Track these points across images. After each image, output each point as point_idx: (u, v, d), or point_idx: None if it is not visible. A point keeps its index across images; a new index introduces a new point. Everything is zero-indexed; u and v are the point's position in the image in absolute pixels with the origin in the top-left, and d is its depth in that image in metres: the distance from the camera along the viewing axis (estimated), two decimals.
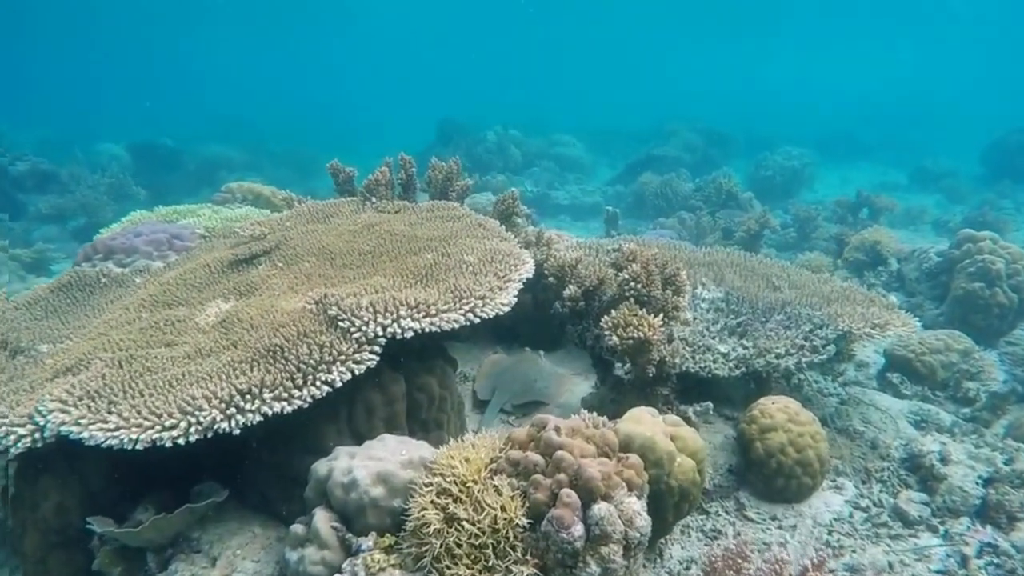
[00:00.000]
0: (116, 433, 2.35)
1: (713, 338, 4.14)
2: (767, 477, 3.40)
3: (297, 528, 2.45)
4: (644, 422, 2.80)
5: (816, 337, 4.01)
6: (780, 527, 3.28)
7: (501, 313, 3.08)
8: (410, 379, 2.97)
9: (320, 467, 2.55)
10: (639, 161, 15.54)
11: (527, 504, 2.23)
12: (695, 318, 4.34)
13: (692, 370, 3.71)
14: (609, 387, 3.80)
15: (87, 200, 9.41)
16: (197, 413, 2.37)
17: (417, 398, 2.98)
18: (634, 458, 2.41)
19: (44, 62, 39.03)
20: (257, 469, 2.85)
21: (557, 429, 2.42)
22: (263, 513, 2.90)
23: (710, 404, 3.70)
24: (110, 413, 2.43)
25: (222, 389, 2.47)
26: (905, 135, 22.21)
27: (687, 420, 3.63)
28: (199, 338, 3.07)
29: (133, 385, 2.60)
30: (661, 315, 3.30)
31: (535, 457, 2.32)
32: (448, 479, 2.34)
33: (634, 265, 3.33)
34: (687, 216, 10.23)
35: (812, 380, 4.83)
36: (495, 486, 2.29)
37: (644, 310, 3.28)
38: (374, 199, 4.44)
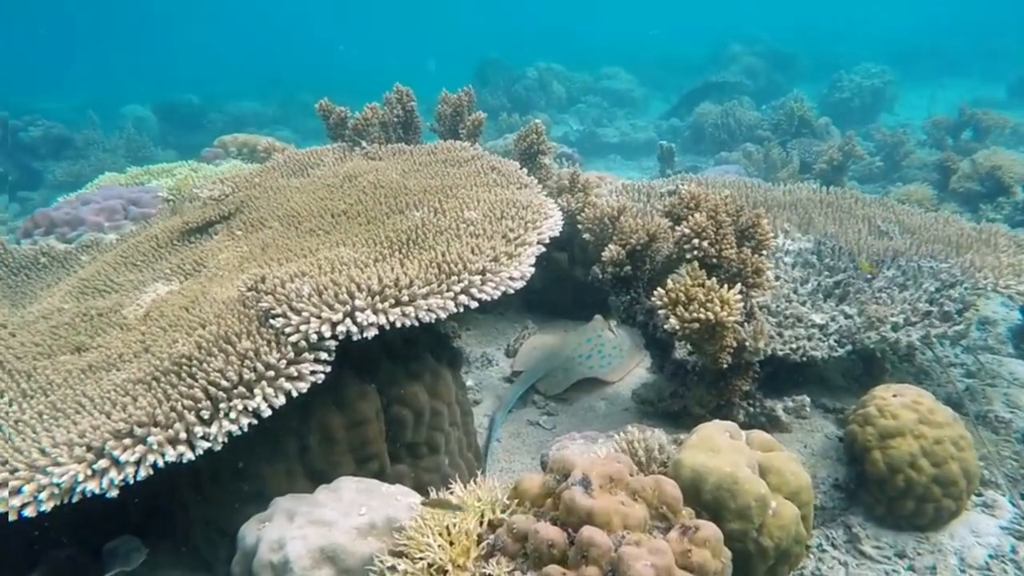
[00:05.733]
0: None
1: (803, 303, 3.16)
2: (891, 499, 2.47)
3: None
4: (720, 449, 1.91)
5: (947, 299, 2.98)
6: (912, 568, 2.37)
7: (511, 291, 2.20)
8: (386, 389, 2.15)
9: (247, 533, 1.78)
10: (696, 90, 14.01)
11: None
12: (777, 277, 3.35)
13: (780, 353, 2.76)
14: (668, 376, 2.90)
15: (104, 164, 8.89)
16: (51, 471, 1.60)
17: (398, 415, 2.16)
18: (708, 530, 1.52)
19: (75, 28, 38.83)
20: (187, 521, 2.10)
21: (585, 481, 1.56)
22: (204, 574, 2.18)
23: (806, 399, 2.76)
24: None
25: (95, 429, 1.70)
26: (999, 43, 19.58)
27: (776, 422, 2.71)
28: (116, 340, 2.32)
29: None
30: (738, 284, 2.35)
31: (550, 533, 1.47)
32: (418, 565, 1.53)
33: (697, 214, 2.37)
34: (754, 148, 8.94)
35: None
36: None
37: (714, 278, 2.33)
38: (364, 143, 3.56)
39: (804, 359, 2.79)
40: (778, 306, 3.10)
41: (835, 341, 2.91)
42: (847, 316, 3.04)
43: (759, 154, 8.53)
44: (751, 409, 2.78)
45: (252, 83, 20.41)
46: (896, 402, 2.54)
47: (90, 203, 3.53)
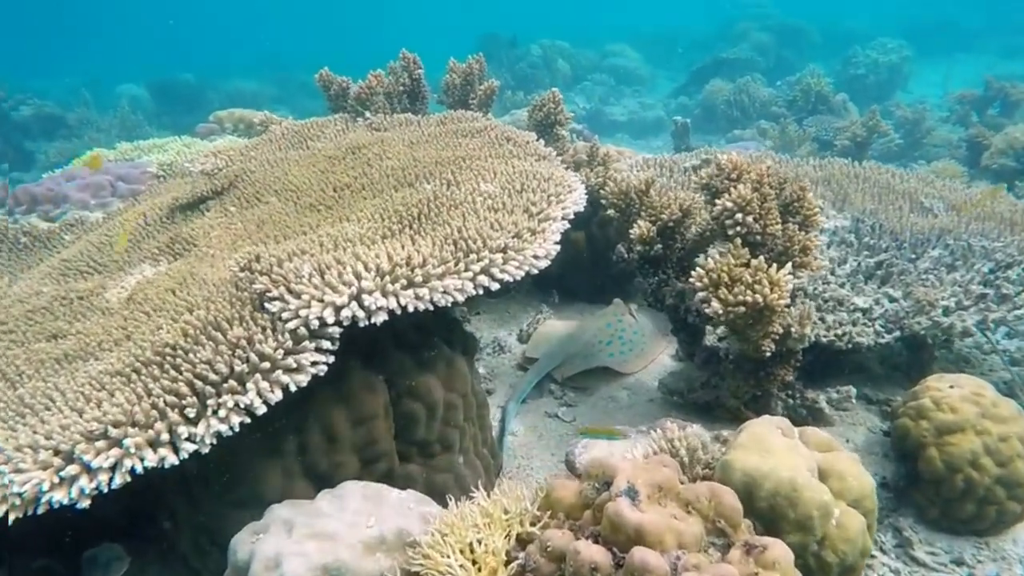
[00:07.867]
0: None
1: (842, 286, 2.92)
2: (949, 500, 2.25)
3: None
4: (775, 450, 1.69)
5: (1005, 281, 2.74)
6: None
7: (535, 271, 1.97)
8: (396, 382, 1.93)
9: (239, 546, 1.56)
10: (705, 67, 13.65)
11: None
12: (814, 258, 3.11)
13: (824, 339, 2.53)
14: (700, 364, 2.67)
15: (97, 144, 8.62)
16: (12, 479, 1.39)
17: (409, 409, 1.94)
18: (777, 549, 1.30)
19: (69, 6, 37.95)
20: (174, 526, 1.89)
21: (632, 491, 1.34)
22: None
23: (852, 389, 2.54)
24: None
25: (64, 430, 1.48)
26: (1017, 17, 19.07)
27: (818, 414, 2.49)
28: (96, 326, 2.09)
29: None
30: (787, 264, 2.11)
31: (593, 554, 1.25)
32: None
33: (741, 187, 2.13)
34: (769, 126, 8.65)
35: None
36: None
37: (760, 256, 2.10)
38: (368, 114, 3.31)
39: (849, 346, 2.56)
40: (815, 289, 2.86)
41: (881, 326, 2.68)
42: (892, 299, 2.80)
43: (775, 131, 8.25)
44: (790, 400, 2.56)
45: (249, 62, 20.02)
46: (955, 394, 2.31)
47: (75, 179, 3.29)
